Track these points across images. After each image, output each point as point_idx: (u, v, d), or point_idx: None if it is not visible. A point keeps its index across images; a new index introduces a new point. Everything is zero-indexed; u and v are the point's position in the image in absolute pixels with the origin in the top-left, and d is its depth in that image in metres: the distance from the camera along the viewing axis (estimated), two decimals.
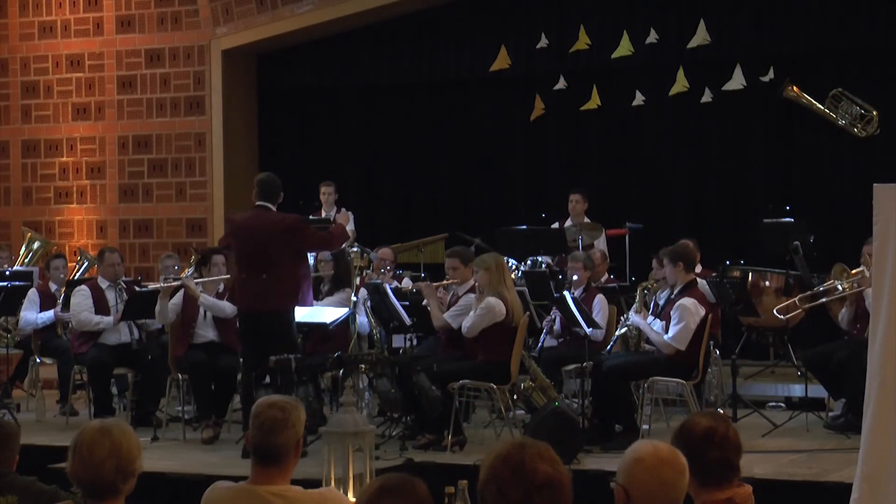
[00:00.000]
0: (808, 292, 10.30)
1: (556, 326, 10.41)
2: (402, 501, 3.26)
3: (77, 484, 3.92)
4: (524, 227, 12.19)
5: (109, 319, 10.33)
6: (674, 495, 3.57)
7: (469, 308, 9.36)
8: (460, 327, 9.30)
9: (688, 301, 9.16)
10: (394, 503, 3.25)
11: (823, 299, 10.10)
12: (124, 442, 3.91)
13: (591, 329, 9.63)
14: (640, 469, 3.57)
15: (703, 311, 9.17)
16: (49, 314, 11.13)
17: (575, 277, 10.37)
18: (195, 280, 10.12)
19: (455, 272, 9.73)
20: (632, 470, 3.58)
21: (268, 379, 10.06)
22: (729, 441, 3.94)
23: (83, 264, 13.06)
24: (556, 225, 12.29)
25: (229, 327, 10.01)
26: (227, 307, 9.90)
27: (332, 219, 12.77)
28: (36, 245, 13.22)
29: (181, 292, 10.01)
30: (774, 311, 10.35)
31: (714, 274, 10.50)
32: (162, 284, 10.15)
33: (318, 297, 10.35)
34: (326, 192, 13.08)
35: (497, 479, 3.21)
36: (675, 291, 9.36)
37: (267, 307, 8.92)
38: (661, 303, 9.67)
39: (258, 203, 9.23)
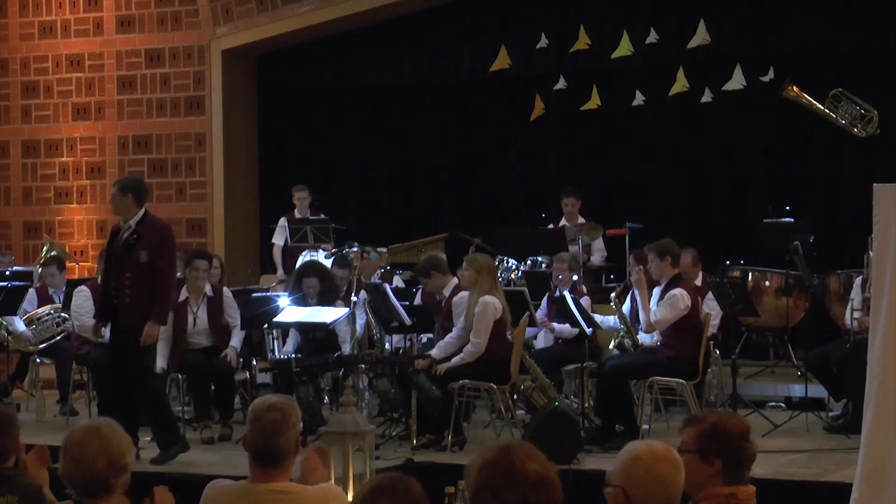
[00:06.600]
0: None
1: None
2: (397, 500, 3.25)
3: (70, 484, 3.93)
4: (524, 227, 12.18)
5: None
6: (671, 492, 3.57)
7: (463, 308, 9.28)
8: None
9: (677, 290, 9.19)
10: (388, 503, 3.25)
11: None
12: (114, 438, 3.93)
13: (590, 329, 9.63)
14: (637, 468, 3.56)
15: (689, 302, 9.18)
16: (32, 296, 11.19)
17: (560, 277, 10.43)
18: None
19: (431, 283, 9.78)
20: (629, 469, 3.57)
21: (268, 379, 10.08)
22: None
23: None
24: (551, 226, 12.29)
25: (222, 331, 10.07)
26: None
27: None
28: (52, 253, 13.10)
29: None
30: None
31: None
32: None
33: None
34: (300, 198, 12.94)
35: (490, 485, 3.19)
36: (663, 287, 9.36)
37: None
38: (638, 300, 9.65)
39: None
